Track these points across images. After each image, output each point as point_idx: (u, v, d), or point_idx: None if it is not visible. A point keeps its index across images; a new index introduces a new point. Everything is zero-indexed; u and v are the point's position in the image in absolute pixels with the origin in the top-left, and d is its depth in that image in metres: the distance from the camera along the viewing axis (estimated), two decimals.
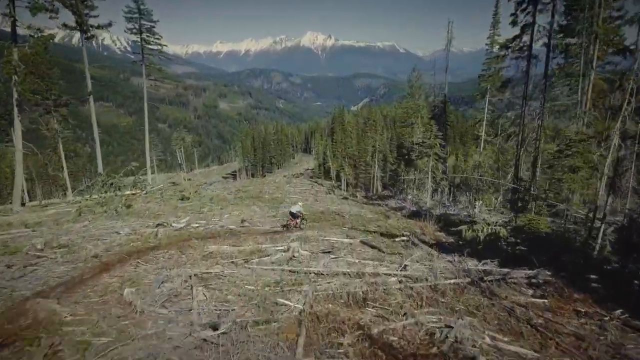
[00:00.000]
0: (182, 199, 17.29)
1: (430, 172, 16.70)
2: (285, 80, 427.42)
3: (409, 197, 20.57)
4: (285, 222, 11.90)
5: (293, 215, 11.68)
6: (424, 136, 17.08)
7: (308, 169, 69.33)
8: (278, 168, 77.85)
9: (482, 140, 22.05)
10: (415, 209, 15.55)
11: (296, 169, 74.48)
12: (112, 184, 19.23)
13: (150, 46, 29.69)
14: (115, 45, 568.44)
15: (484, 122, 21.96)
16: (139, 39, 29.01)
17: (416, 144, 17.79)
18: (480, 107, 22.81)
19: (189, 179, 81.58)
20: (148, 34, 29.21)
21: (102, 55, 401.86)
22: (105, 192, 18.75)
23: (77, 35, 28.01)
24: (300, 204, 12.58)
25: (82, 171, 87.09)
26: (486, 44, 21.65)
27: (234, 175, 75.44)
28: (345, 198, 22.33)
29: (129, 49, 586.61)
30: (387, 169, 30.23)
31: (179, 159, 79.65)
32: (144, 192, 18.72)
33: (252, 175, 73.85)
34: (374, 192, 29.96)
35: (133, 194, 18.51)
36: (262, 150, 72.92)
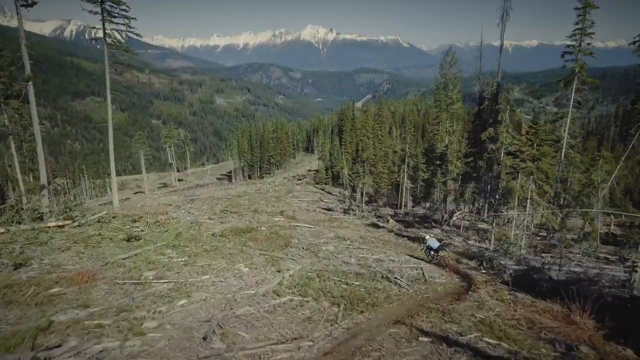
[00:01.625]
0: (128, 240, 10.91)
1: (529, 200, 10.40)
2: (285, 75, 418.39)
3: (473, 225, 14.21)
4: (431, 259, 10.56)
5: (436, 251, 10.49)
6: (521, 142, 10.62)
7: (311, 170, 62.98)
8: (277, 169, 71.40)
9: (565, 145, 15.69)
10: (518, 267, 9.20)
11: (297, 170, 68.13)
12: (26, 209, 12.83)
13: (114, 20, 23.11)
14: (109, 38, 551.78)
15: (569, 119, 15.59)
16: (98, 10, 22.39)
17: (510, 154, 11.35)
18: (561, 99, 16.40)
19: (180, 180, 75.35)
20: (111, 3, 22.59)
21: (94, 48, 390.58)
22: (19, 222, 12.43)
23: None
24: (429, 237, 11.12)
25: (65, 171, 79.70)
26: (576, 9, 15.26)
27: (229, 176, 69.17)
28: (375, 225, 16.02)
29: (123, 42, 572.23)
30: (419, 177, 23.89)
31: (169, 158, 73.16)
32: (76, 223, 12.31)
33: (249, 177, 67.52)
34: (403, 207, 23.54)
35: (60, 227, 12.15)
36: (260, 149, 66.45)
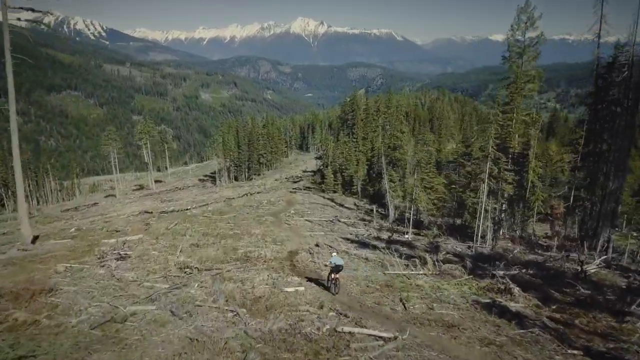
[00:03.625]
0: None
1: None
2: (274, 69, 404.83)
3: None
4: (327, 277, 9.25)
5: (337, 270, 8.84)
6: None
7: (307, 171, 54.59)
8: (268, 169, 62.61)
9: None
10: None
11: (291, 171, 59.59)
12: None
13: None
14: (89, 30, 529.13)
15: None
16: None
17: None
18: None
19: (159, 181, 65.60)
20: None
21: (73, 40, 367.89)
22: None
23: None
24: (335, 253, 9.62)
25: (26, 171, 67.78)
26: None
27: (213, 178, 59.99)
28: (499, 310, 7.46)
29: (103, 34, 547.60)
30: (500, 194, 15.50)
31: (145, 157, 63.34)
32: None
33: (236, 179, 58.55)
34: (479, 239, 14.99)
35: None
36: (249, 147, 57.47)
